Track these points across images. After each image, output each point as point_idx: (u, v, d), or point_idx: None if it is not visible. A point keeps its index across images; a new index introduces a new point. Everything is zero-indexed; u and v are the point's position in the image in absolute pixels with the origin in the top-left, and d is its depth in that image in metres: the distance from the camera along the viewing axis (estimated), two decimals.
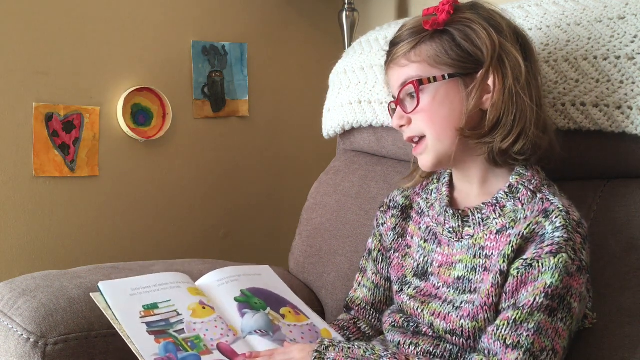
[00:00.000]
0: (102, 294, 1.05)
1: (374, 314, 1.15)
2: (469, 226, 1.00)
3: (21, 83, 1.58)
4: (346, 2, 1.86)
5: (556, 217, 0.92)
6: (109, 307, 1.03)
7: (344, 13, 1.86)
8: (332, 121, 1.51)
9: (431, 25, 0.99)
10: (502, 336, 0.88)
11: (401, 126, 1.03)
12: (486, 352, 0.90)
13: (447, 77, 0.98)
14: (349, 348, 0.94)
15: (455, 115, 0.99)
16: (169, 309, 1.06)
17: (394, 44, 1.04)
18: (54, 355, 1.06)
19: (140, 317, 1.02)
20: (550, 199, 0.96)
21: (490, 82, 0.98)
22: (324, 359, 0.93)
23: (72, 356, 1.08)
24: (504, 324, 0.89)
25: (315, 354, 0.94)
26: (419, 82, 0.99)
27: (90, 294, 1.06)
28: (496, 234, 0.97)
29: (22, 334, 1.07)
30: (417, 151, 1.03)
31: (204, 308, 1.08)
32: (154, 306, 1.05)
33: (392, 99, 1.06)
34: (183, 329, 1.03)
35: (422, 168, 1.05)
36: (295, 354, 0.96)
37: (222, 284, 1.15)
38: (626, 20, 1.05)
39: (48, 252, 1.63)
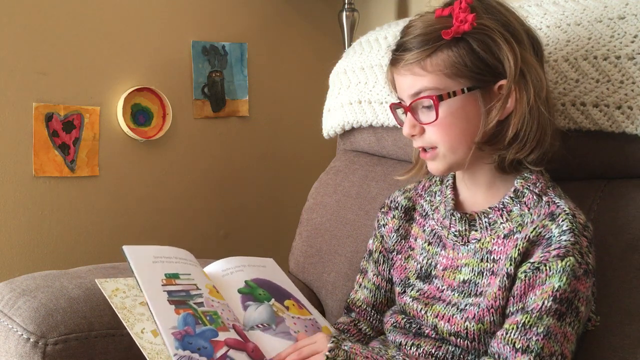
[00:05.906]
0: (126, 257, 1.04)
1: (375, 315, 1.15)
2: (476, 230, 1.00)
3: (21, 83, 1.58)
4: (346, 2, 1.86)
5: (562, 220, 0.92)
6: (133, 273, 1.02)
7: (344, 13, 1.86)
8: (332, 121, 1.51)
9: (452, 36, 0.94)
10: (512, 340, 0.88)
11: (412, 135, 1.00)
12: (496, 356, 0.90)
13: (466, 90, 0.95)
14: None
15: (472, 128, 0.96)
16: (189, 281, 1.05)
17: (405, 48, 0.97)
18: (54, 355, 1.06)
19: (162, 285, 1.02)
20: (557, 201, 0.95)
21: (511, 98, 0.94)
22: (340, 347, 0.94)
23: (72, 356, 1.08)
24: (513, 328, 0.88)
25: (332, 339, 0.95)
26: (439, 98, 0.95)
27: (96, 280, 1.06)
28: (504, 238, 0.97)
29: (22, 334, 1.07)
30: (427, 157, 1.00)
31: (217, 292, 1.08)
32: (175, 276, 1.05)
33: (395, 100, 1.03)
34: (202, 302, 1.02)
35: (432, 173, 1.02)
36: (320, 343, 0.97)
37: (227, 274, 1.15)
38: (626, 20, 1.05)
39: (48, 252, 1.63)
